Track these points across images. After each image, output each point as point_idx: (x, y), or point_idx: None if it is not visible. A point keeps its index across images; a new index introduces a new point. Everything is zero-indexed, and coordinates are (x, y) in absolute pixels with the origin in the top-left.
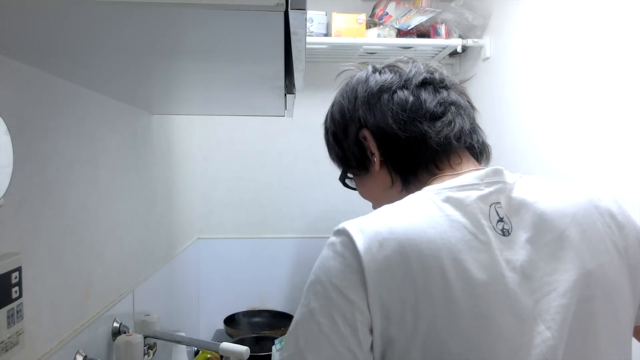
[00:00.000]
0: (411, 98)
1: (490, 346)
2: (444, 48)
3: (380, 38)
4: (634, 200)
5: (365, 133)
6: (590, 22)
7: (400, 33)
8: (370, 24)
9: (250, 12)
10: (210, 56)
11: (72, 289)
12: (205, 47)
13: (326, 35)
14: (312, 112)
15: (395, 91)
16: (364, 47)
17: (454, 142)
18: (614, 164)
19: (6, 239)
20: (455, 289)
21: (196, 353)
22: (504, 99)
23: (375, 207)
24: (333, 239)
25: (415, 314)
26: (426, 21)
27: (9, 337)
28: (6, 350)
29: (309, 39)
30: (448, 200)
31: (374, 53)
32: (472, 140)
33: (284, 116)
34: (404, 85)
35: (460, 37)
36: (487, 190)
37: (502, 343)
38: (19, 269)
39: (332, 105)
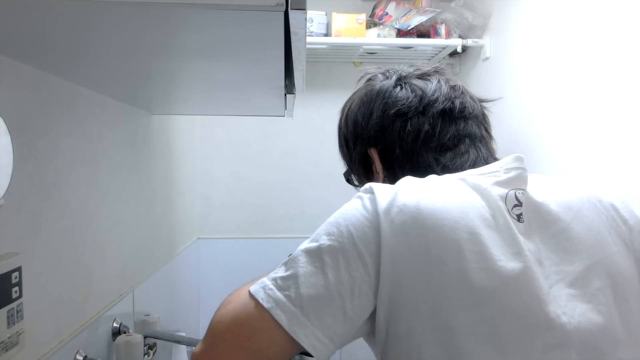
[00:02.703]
0: (426, 127)
1: (499, 321)
2: (444, 48)
3: (380, 38)
4: (636, 197)
5: (373, 152)
6: (591, 21)
7: (400, 33)
8: (370, 24)
9: (250, 12)
10: (210, 56)
11: (72, 289)
12: (205, 47)
13: (326, 35)
14: (312, 112)
15: (410, 118)
16: (364, 47)
17: (467, 169)
18: (615, 162)
19: (6, 239)
20: (469, 261)
21: None
22: (504, 99)
23: None
24: (361, 194)
25: (426, 282)
26: (426, 21)
27: (9, 337)
28: (6, 350)
29: (309, 39)
30: (467, 184)
31: (374, 53)
32: (487, 163)
33: (284, 116)
34: (422, 112)
35: (460, 37)
36: (505, 176)
37: (513, 319)
38: (19, 269)
39: (348, 110)
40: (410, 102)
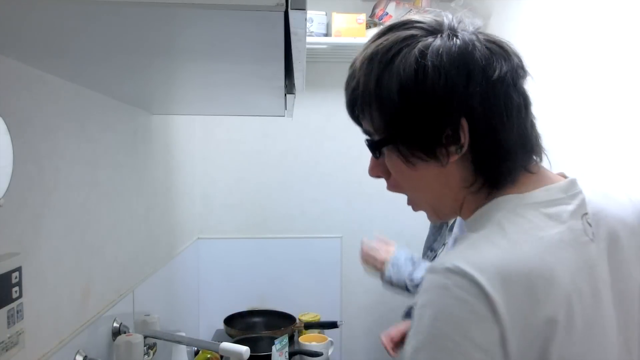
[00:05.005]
0: (522, 92)
1: None
2: None
3: None
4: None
5: (464, 122)
6: (590, 22)
7: None
8: (370, 24)
9: (250, 12)
10: (210, 56)
11: (72, 289)
12: (205, 47)
13: (326, 35)
14: (312, 112)
15: (513, 85)
16: None
17: (540, 143)
18: (616, 161)
19: (6, 239)
20: (576, 314)
21: (196, 353)
22: None
23: (417, 203)
24: (444, 281)
25: (545, 347)
26: None
27: (9, 337)
28: (6, 350)
29: (309, 39)
30: (547, 217)
31: None
32: (534, 149)
33: (284, 116)
34: (518, 75)
35: None
36: (573, 204)
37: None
38: (19, 269)
39: (435, 64)
40: (502, 68)
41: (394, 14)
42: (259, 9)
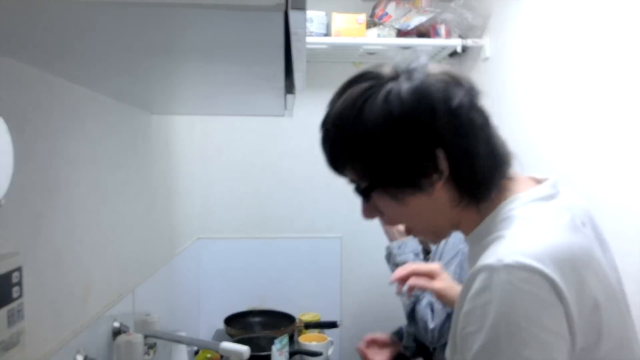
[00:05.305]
0: (480, 110)
1: (629, 340)
2: (443, 48)
3: (380, 38)
4: (635, 198)
5: (439, 153)
6: (590, 22)
7: (400, 33)
8: (370, 24)
9: (250, 12)
10: (210, 56)
11: (72, 289)
12: (205, 47)
13: (326, 35)
14: (312, 112)
15: (471, 106)
16: (364, 47)
17: (507, 150)
18: (613, 164)
19: (6, 239)
20: (606, 289)
21: (196, 353)
22: (504, 99)
23: (416, 231)
24: (508, 277)
25: (598, 322)
26: (426, 21)
27: (9, 337)
28: (6, 350)
29: (309, 39)
30: (557, 207)
31: (374, 53)
32: None
33: (284, 116)
34: (473, 97)
35: (460, 37)
36: (563, 197)
37: (620, 333)
38: (19, 269)
39: (391, 109)
40: (460, 93)
41: (393, 14)
42: (259, 9)
